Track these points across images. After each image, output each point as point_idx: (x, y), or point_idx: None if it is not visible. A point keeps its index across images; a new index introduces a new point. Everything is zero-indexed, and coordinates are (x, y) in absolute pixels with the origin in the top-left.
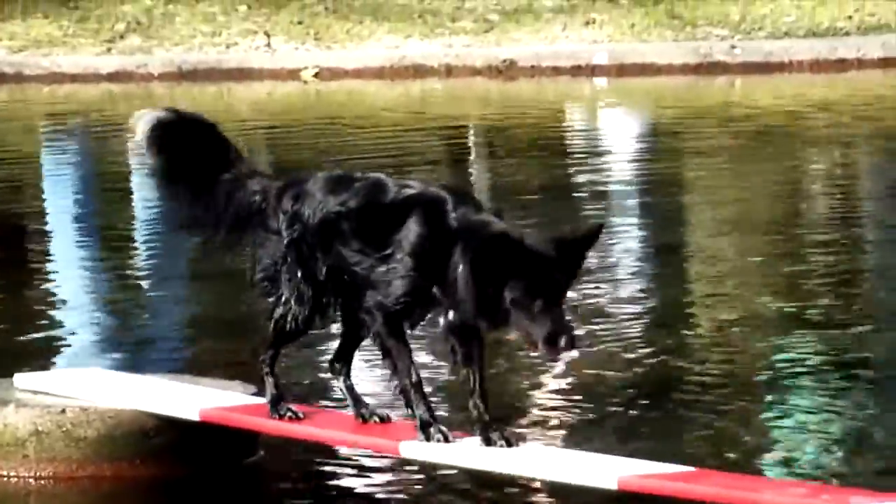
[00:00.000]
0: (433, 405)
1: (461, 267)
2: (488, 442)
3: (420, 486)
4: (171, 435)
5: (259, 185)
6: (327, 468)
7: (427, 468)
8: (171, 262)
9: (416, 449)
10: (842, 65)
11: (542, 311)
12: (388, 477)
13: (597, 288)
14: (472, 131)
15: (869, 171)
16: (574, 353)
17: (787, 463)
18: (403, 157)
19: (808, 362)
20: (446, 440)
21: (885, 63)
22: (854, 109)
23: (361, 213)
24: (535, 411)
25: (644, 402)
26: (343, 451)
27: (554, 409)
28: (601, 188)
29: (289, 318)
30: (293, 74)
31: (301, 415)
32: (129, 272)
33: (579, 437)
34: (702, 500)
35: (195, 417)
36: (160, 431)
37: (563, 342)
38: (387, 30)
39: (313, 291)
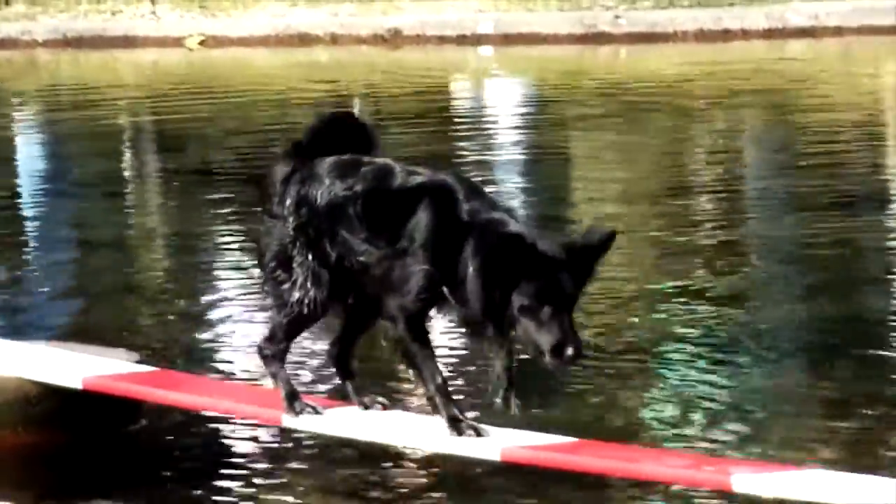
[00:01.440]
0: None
1: (471, 265)
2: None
3: (301, 455)
4: (53, 402)
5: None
6: (209, 436)
7: (312, 437)
8: (57, 228)
9: (298, 419)
10: (726, 35)
11: (550, 318)
12: (269, 444)
13: None
14: (357, 100)
15: (752, 141)
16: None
17: (669, 433)
18: (288, 126)
19: (690, 334)
20: (478, 435)
21: (769, 33)
22: (738, 79)
23: (368, 199)
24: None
25: (529, 371)
26: (227, 419)
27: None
28: (486, 158)
29: (306, 301)
30: (178, 42)
31: (320, 409)
32: (13, 238)
33: (464, 406)
34: (584, 471)
35: (78, 385)
36: (43, 399)
37: (569, 352)
38: None
39: (329, 274)
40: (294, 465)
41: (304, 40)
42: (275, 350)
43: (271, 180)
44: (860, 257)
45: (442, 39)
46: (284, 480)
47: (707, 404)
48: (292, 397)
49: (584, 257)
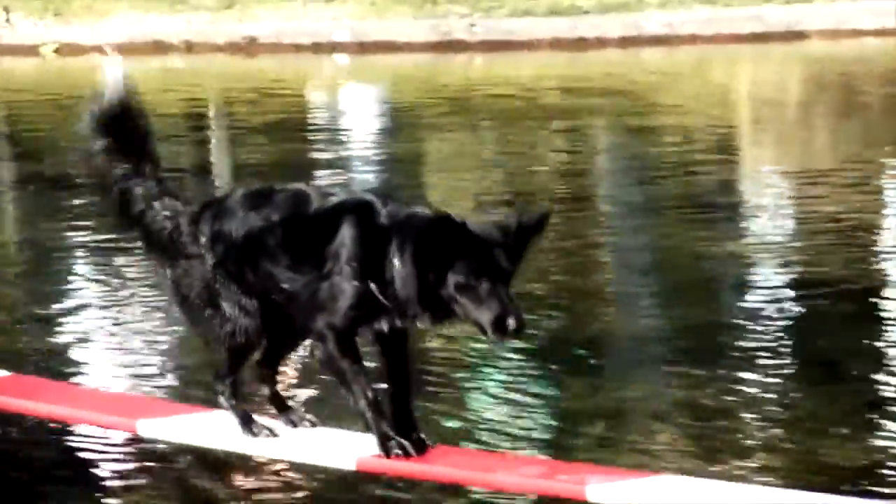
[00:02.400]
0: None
1: (399, 259)
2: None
3: (155, 460)
4: None
5: (168, 210)
6: (58, 440)
7: (162, 445)
8: None
9: (152, 426)
10: (582, 43)
11: (489, 293)
12: (124, 448)
13: None
14: (212, 108)
15: (606, 148)
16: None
17: (524, 441)
18: None
19: (543, 342)
20: (406, 454)
21: (624, 42)
22: (593, 88)
23: (287, 227)
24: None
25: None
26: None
27: (295, 386)
28: (340, 165)
29: (238, 333)
30: (33, 50)
31: (277, 433)
32: None
33: (321, 415)
34: (439, 480)
35: None
36: None
37: (511, 325)
38: (127, 5)
39: (257, 302)
40: (146, 468)
41: (160, 48)
42: (224, 387)
43: (176, 223)
44: (714, 264)
45: (298, 48)
46: (131, 483)
47: (561, 412)
48: (247, 422)
49: (517, 238)
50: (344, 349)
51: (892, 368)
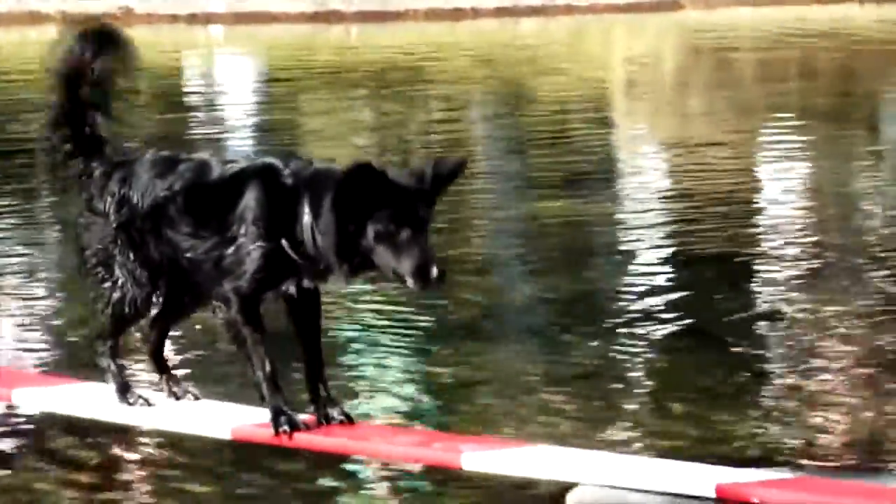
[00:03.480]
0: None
1: (312, 214)
2: (328, 419)
3: (26, 436)
4: None
5: (85, 163)
6: None
7: (31, 416)
8: None
9: (27, 396)
10: (457, 14)
11: (409, 241)
12: None
13: None
14: None
15: (481, 119)
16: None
17: (402, 411)
18: (16, 105)
19: (421, 314)
20: (295, 429)
21: (499, 12)
22: (468, 58)
23: (189, 195)
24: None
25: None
26: None
27: (174, 355)
28: (216, 136)
29: (126, 302)
30: None
31: (153, 402)
32: None
33: (198, 386)
34: (313, 449)
35: None
36: None
37: (434, 273)
38: None
39: (149, 273)
40: (18, 446)
41: (36, 19)
42: (104, 348)
43: (90, 175)
44: (590, 234)
45: (174, 18)
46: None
47: (438, 383)
48: (124, 389)
49: (432, 185)
50: (247, 315)
51: (763, 337)
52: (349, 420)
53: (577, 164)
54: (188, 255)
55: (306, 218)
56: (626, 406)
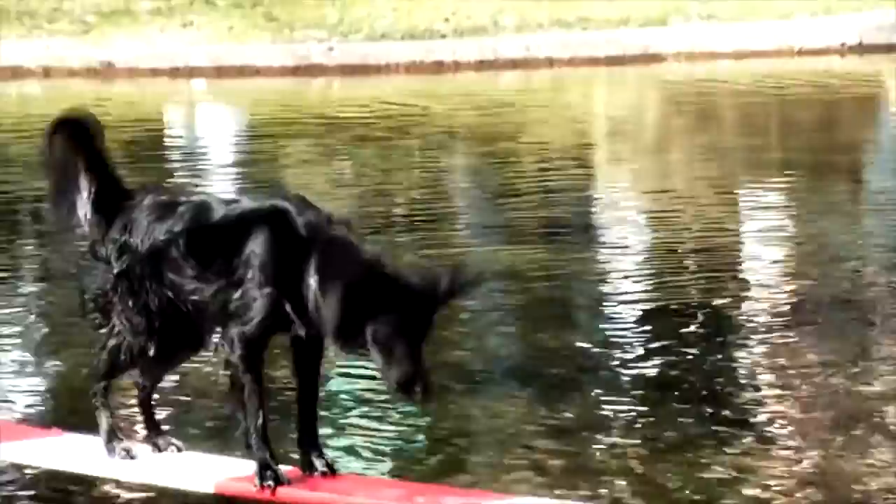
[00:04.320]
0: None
1: (318, 285)
2: (311, 468)
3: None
4: None
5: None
6: None
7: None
8: None
9: (6, 449)
10: (438, 67)
11: (403, 354)
12: None
13: None
14: None
15: (462, 172)
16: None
17: (381, 464)
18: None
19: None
20: (280, 484)
21: (481, 66)
22: (449, 111)
23: (192, 237)
24: (133, 410)
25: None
26: None
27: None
28: (197, 192)
29: (122, 350)
30: None
31: (134, 454)
32: None
33: (181, 437)
34: (297, 503)
35: None
36: None
37: (417, 390)
38: None
39: (147, 322)
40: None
41: (17, 73)
42: (98, 387)
43: (94, 223)
44: (569, 287)
45: (155, 72)
46: None
47: (417, 435)
48: (111, 436)
49: (444, 296)
50: (250, 362)
51: (743, 388)
52: (332, 471)
53: (556, 216)
54: (193, 297)
55: (312, 282)
56: (608, 458)
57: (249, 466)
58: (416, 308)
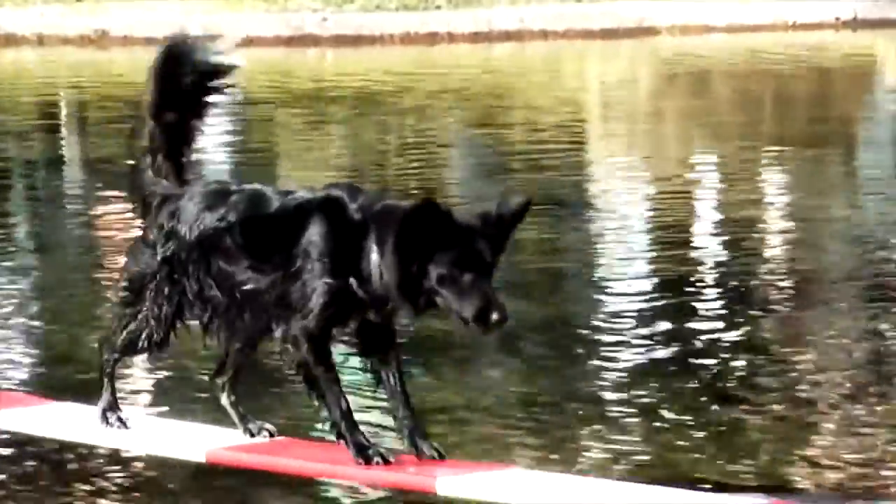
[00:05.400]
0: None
1: (379, 251)
2: (417, 449)
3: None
4: None
5: (149, 189)
6: None
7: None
8: None
9: (3, 417)
10: (433, 38)
11: (471, 285)
12: None
13: None
14: (63, 102)
15: (456, 143)
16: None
17: (372, 435)
18: None
19: None
20: (387, 462)
21: (475, 37)
22: (443, 82)
23: (247, 227)
24: (125, 380)
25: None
26: None
27: (146, 377)
28: (192, 158)
29: (143, 337)
30: None
31: (128, 424)
32: None
33: (172, 407)
34: (290, 473)
35: None
36: None
37: (494, 317)
38: None
39: (174, 313)
40: None
41: (11, 41)
42: (109, 357)
43: (147, 204)
44: (564, 259)
45: (149, 41)
46: None
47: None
48: (109, 408)
49: (498, 226)
50: (318, 355)
51: (742, 364)
52: (441, 456)
53: (551, 189)
54: (246, 287)
55: (374, 255)
56: (602, 431)
57: (241, 436)
58: (472, 240)
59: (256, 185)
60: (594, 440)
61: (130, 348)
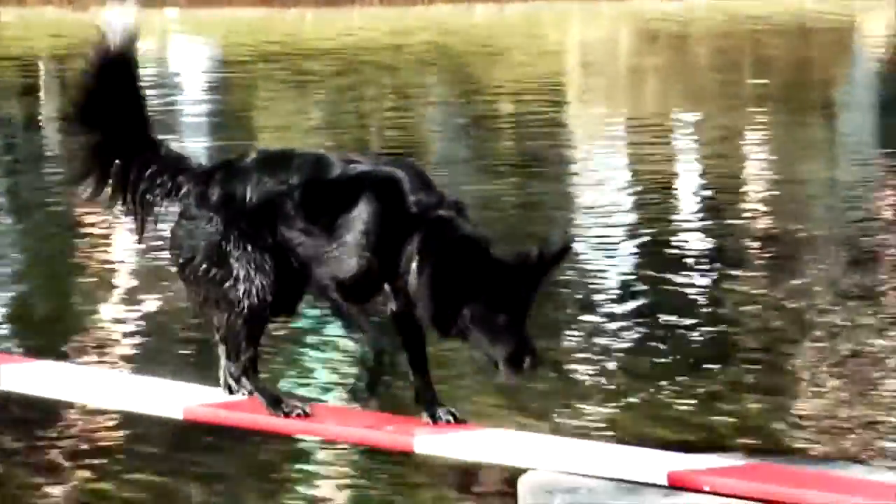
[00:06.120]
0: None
1: (417, 265)
2: (434, 419)
3: None
4: None
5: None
6: None
7: None
8: None
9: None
10: (412, 0)
11: (505, 328)
12: None
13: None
14: (42, 62)
15: (435, 103)
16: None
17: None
18: None
19: None
20: (306, 415)
21: None
22: (422, 43)
23: (306, 191)
24: (103, 336)
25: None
26: None
27: (128, 335)
28: (170, 119)
29: (255, 292)
30: None
31: (308, 409)
32: None
33: (150, 364)
34: (266, 430)
35: None
36: None
37: (526, 362)
38: None
39: (273, 260)
40: None
41: None
42: (242, 367)
43: (180, 178)
44: (542, 217)
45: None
46: None
47: (391, 365)
48: (277, 402)
49: (537, 268)
50: (346, 294)
51: (719, 322)
52: (456, 420)
53: (531, 148)
54: (299, 250)
55: (414, 265)
56: (581, 392)
57: (219, 394)
58: (511, 283)
59: (318, 150)
60: (574, 402)
61: (255, 321)
